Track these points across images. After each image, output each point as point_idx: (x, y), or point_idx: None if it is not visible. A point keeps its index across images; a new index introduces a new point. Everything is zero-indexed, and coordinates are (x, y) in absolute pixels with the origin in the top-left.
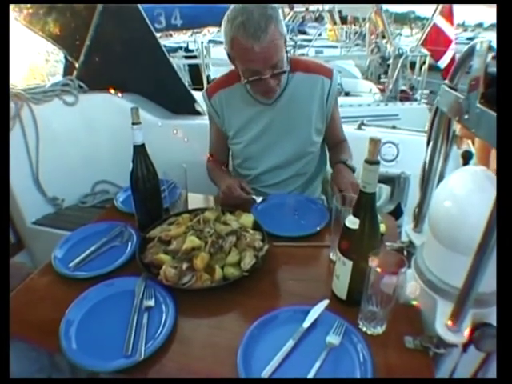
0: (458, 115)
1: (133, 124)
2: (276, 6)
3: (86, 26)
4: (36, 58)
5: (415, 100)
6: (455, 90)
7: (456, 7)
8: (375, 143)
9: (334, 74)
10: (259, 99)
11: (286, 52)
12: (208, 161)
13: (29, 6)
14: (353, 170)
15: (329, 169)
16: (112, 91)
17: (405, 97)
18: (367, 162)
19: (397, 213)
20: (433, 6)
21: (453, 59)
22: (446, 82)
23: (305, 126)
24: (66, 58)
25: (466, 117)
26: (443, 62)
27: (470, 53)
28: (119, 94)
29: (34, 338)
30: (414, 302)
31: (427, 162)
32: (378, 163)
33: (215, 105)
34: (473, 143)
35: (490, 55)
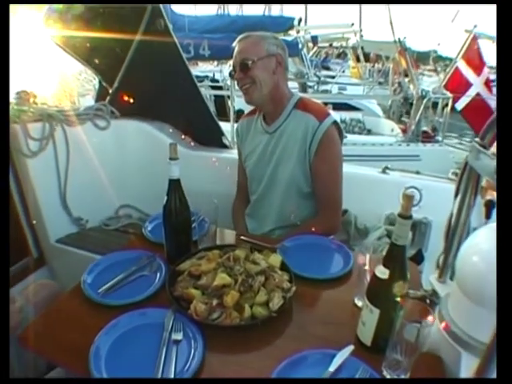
0: (489, 175)
1: (170, 159)
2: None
3: (123, 54)
4: (66, 76)
5: (437, 141)
6: (485, 147)
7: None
8: (408, 198)
9: (327, 119)
10: (264, 128)
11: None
12: (236, 198)
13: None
14: None
15: (351, 210)
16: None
17: (426, 138)
18: (400, 216)
19: (418, 258)
20: (457, 47)
21: (475, 104)
22: (477, 139)
23: (292, 161)
24: (100, 82)
25: None
26: (459, 105)
27: None
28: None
29: (64, 361)
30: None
31: (454, 213)
32: (410, 218)
33: (239, 129)
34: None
35: None
